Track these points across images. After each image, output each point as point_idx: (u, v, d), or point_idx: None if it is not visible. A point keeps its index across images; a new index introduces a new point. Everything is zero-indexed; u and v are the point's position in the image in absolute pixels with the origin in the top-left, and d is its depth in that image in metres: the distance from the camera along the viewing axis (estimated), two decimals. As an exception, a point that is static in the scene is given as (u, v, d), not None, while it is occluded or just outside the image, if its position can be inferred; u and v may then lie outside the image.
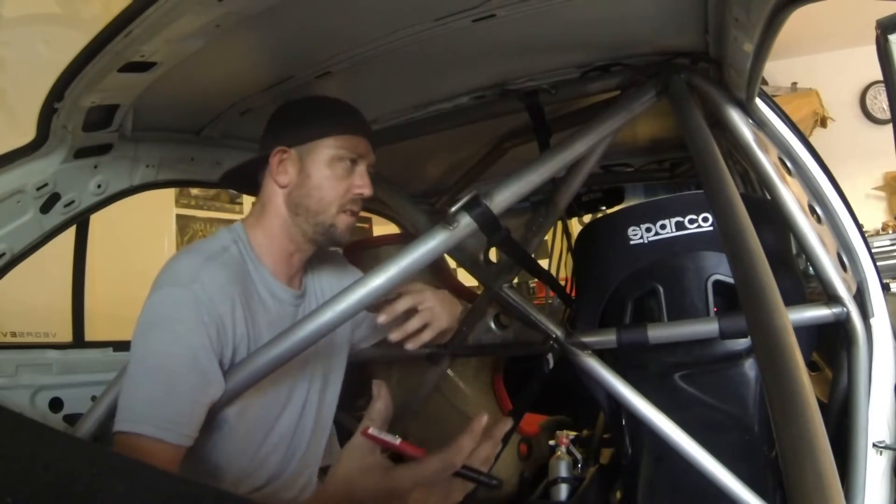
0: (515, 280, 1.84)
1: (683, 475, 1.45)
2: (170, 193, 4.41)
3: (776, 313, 0.75)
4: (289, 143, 1.21)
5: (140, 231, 3.88)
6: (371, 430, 0.89)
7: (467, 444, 0.88)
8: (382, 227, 3.73)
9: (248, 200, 4.72)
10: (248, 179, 1.30)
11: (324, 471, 1.34)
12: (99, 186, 1.54)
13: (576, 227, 2.80)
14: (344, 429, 1.52)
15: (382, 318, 1.23)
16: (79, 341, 1.77)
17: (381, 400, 0.94)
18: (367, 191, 1.23)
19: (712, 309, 1.52)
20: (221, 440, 1.15)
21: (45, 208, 1.46)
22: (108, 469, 0.39)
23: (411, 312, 1.26)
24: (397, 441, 0.88)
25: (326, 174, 1.20)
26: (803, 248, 1.37)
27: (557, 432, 2.07)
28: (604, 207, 2.54)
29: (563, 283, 2.52)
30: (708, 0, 1.17)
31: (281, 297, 1.22)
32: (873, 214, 5.12)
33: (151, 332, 1.06)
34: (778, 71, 5.43)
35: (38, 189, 1.42)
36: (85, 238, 1.74)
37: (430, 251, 1.15)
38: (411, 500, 0.87)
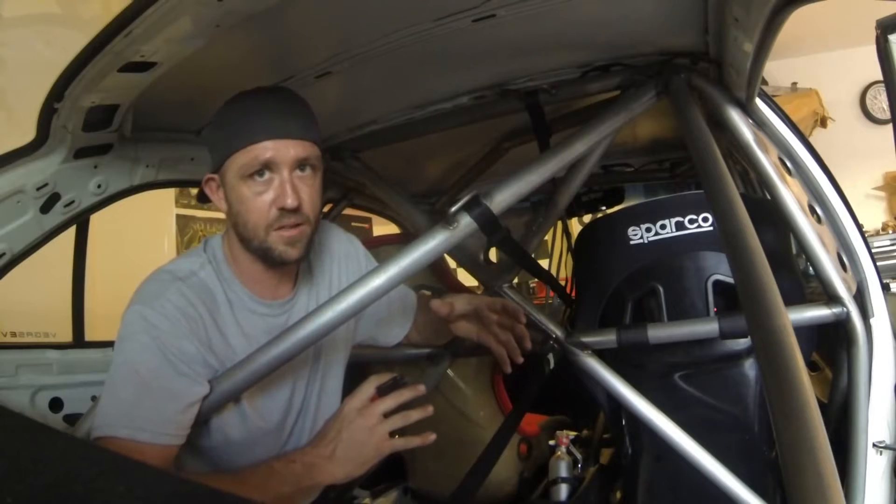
0: (515, 280, 1.84)
1: (683, 475, 1.45)
2: (170, 193, 4.40)
3: (776, 313, 0.75)
4: (213, 169, 1.15)
5: (140, 231, 3.88)
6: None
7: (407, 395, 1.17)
8: (382, 227, 3.73)
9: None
10: None
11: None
12: (99, 186, 1.54)
13: (576, 227, 2.81)
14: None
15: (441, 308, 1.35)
16: (79, 341, 1.77)
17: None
18: (289, 201, 1.07)
19: (712, 309, 1.52)
20: (222, 443, 1.16)
21: (45, 208, 1.46)
22: (108, 469, 0.39)
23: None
24: None
25: (242, 196, 1.10)
26: (803, 248, 1.36)
27: (557, 432, 2.07)
28: (604, 207, 2.54)
29: (563, 283, 2.53)
30: (708, 0, 1.17)
31: (263, 313, 1.20)
32: (873, 214, 5.13)
33: (121, 346, 1.10)
34: (778, 71, 5.43)
35: (38, 189, 1.42)
36: (85, 238, 1.74)
37: (430, 251, 1.15)
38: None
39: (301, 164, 1.11)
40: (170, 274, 1.14)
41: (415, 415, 1.16)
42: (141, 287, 1.14)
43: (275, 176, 1.09)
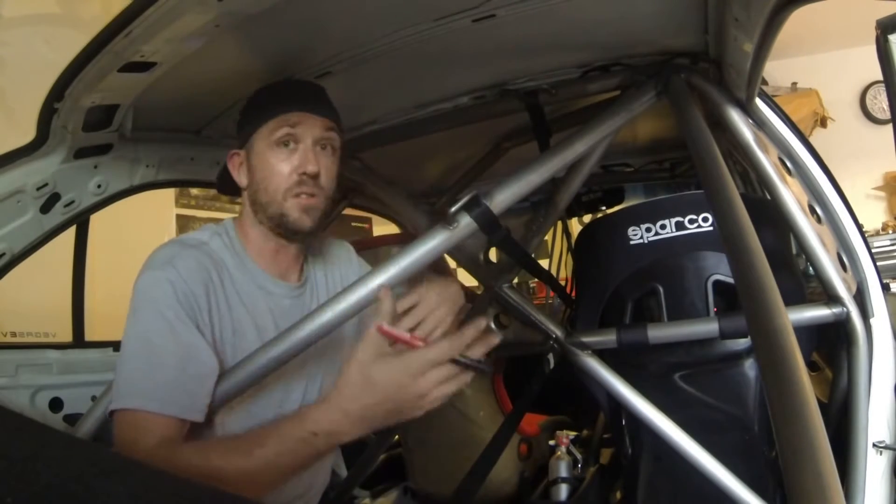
0: (515, 280, 1.83)
1: (683, 475, 1.45)
2: (170, 193, 4.41)
3: (776, 313, 0.75)
4: (239, 146, 1.22)
5: (140, 231, 3.88)
6: (385, 326, 0.97)
7: (470, 333, 0.95)
8: (382, 227, 3.73)
9: (248, 200, 4.72)
10: (235, 186, 1.29)
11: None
12: (99, 186, 1.54)
13: (576, 227, 2.81)
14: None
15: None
16: (79, 341, 1.77)
17: (387, 300, 1.00)
18: (310, 167, 1.15)
19: (712, 309, 1.52)
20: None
21: (45, 208, 1.46)
22: (108, 469, 0.39)
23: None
24: (408, 335, 0.98)
25: (267, 162, 1.17)
26: (803, 248, 1.37)
27: (557, 432, 2.07)
28: (604, 207, 2.54)
29: (563, 283, 2.53)
30: (708, 0, 1.17)
31: (271, 290, 1.21)
32: (873, 214, 5.12)
33: (133, 315, 1.08)
34: (778, 71, 5.43)
35: (38, 189, 1.42)
36: (85, 238, 1.74)
37: (430, 251, 1.15)
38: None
39: (323, 142, 1.18)
40: (180, 243, 1.15)
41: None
42: (151, 255, 1.13)
43: (299, 147, 1.16)
